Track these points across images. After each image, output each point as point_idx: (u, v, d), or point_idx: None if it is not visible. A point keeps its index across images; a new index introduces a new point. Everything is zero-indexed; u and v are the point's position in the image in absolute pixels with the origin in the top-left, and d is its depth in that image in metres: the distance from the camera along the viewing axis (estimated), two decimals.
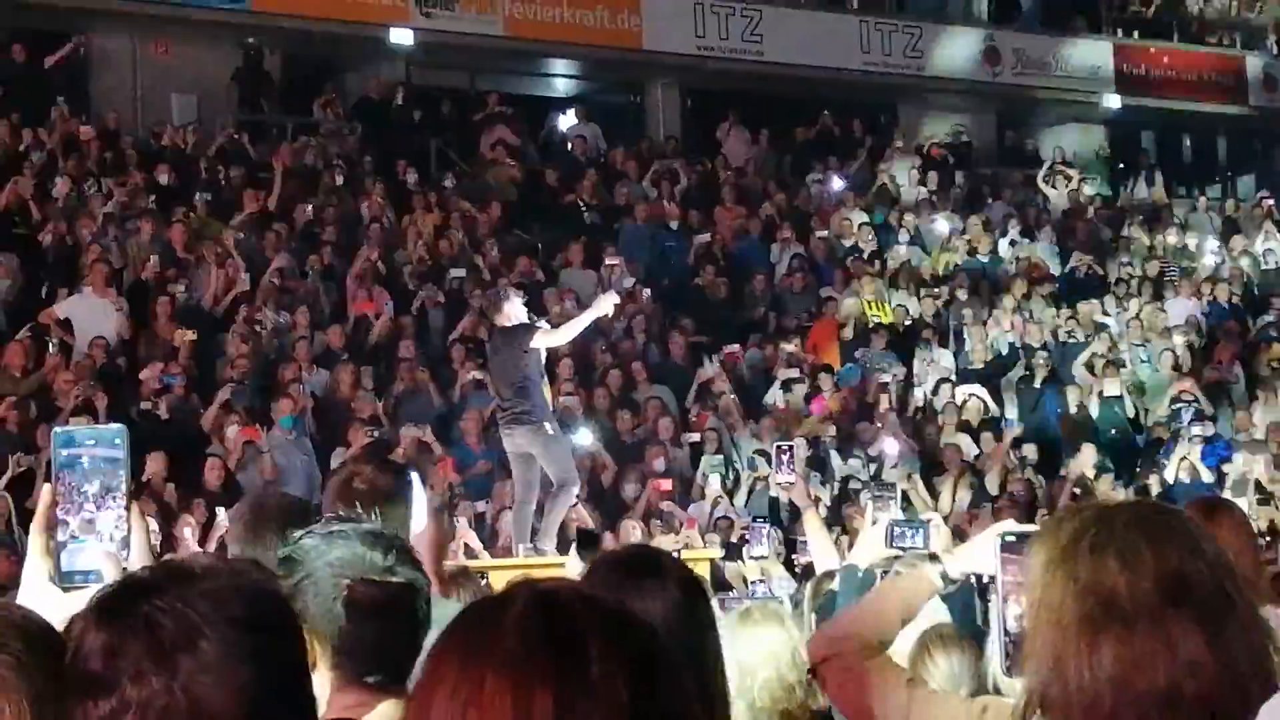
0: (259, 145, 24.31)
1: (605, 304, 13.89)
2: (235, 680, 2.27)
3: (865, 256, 24.95)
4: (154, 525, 13.62)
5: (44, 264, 19.91)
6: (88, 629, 2.31)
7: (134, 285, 19.74)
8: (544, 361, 13.98)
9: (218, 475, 16.18)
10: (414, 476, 5.17)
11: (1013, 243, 26.77)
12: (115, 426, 2.90)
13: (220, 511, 14.60)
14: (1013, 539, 3.28)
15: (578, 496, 14.31)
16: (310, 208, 22.53)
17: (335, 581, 3.51)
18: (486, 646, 1.91)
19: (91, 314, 18.71)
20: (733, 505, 17.88)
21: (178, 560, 2.47)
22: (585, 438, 18.26)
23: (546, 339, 13.76)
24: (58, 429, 2.92)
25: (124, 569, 2.70)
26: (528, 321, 13.79)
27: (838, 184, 27.64)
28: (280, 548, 5.33)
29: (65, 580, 2.77)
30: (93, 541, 2.78)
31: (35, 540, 2.79)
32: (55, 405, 16.98)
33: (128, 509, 2.81)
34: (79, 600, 2.66)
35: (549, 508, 13.63)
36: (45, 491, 2.81)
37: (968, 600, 6.73)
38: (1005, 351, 23.12)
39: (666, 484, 18.03)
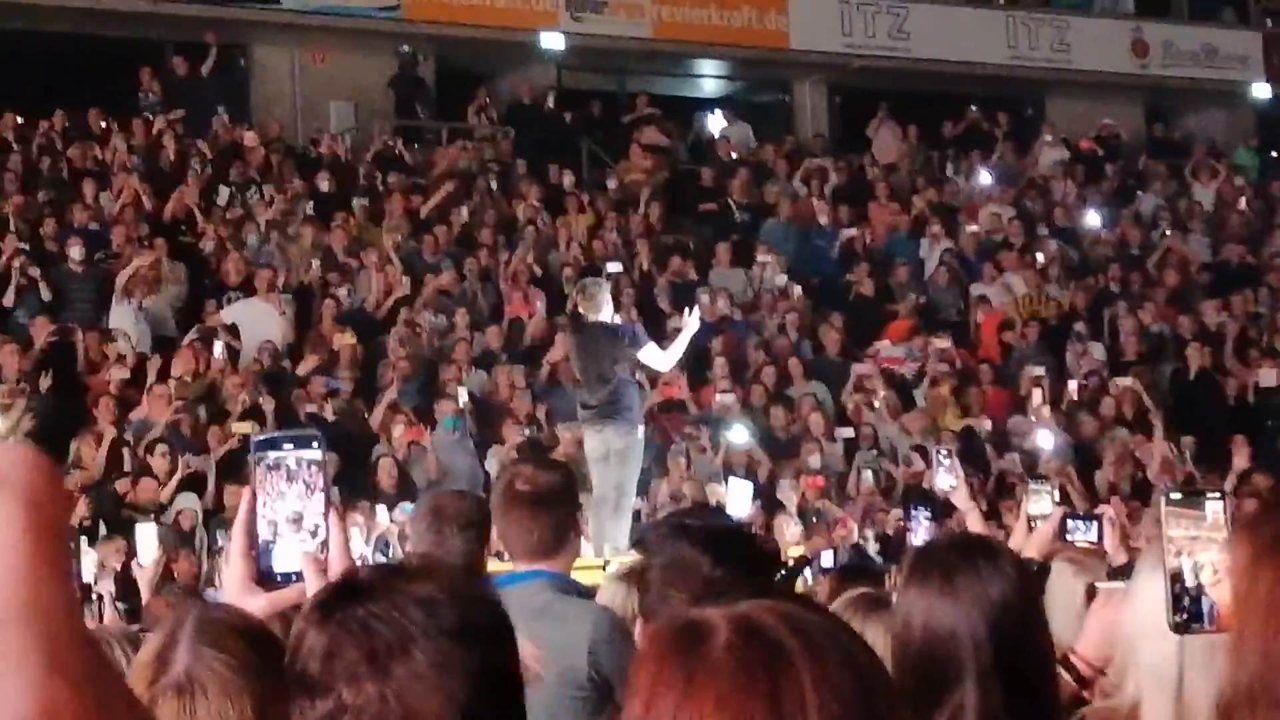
0: (415, 150, 24.72)
1: (694, 322, 13.89)
2: (446, 689, 2.32)
3: (1015, 250, 24.92)
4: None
5: (209, 271, 20.38)
6: (307, 630, 2.39)
7: (297, 290, 20.19)
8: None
9: (389, 475, 16.48)
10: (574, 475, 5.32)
11: (1163, 234, 26.63)
12: (312, 431, 3.03)
13: (380, 510, 14.97)
14: (1179, 498, 3.29)
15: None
16: (466, 211, 22.91)
17: None
18: (699, 681, 1.85)
19: (256, 319, 19.13)
20: (886, 501, 17.96)
21: (396, 562, 2.60)
22: (740, 435, 18.46)
23: (653, 360, 13.73)
24: (257, 437, 2.97)
25: (324, 570, 2.77)
26: (617, 322, 13.84)
27: (986, 178, 27.63)
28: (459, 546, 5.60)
29: (267, 580, 2.82)
30: (293, 543, 2.82)
31: (236, 542, 2.83)
32: (224, 409, 17.40)
33: (326, 511, 2.85)
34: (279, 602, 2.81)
35: (613, 515, 13.54)
36: (245, 493, 2.84)
37: None
38: (1158, 343, 23.04)
39: (819, 480, 18.13)
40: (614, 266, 22.07)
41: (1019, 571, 3.62)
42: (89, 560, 13.05)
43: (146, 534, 9.14)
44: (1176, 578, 3.11)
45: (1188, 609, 3.06)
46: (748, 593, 3.45)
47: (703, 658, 1.86)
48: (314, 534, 2.83)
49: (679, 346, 14.18)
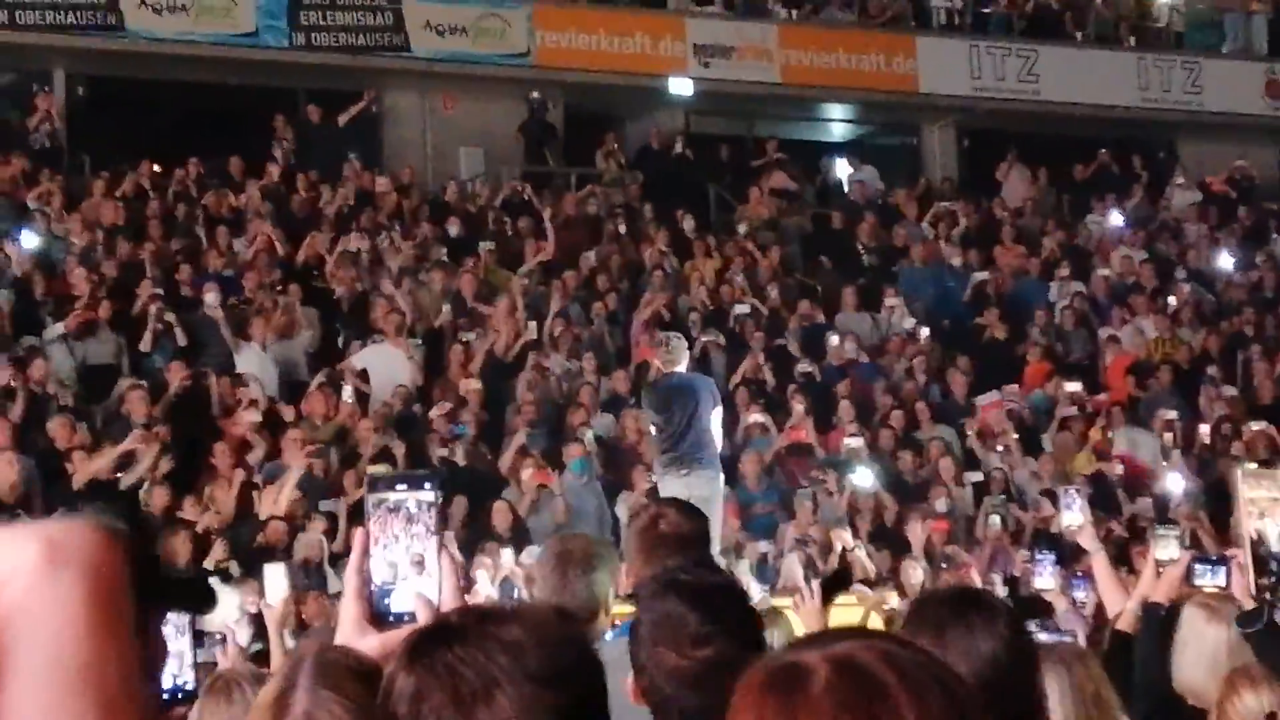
0: (544, 195, 24.91)
1: None
2: None
3: (1147, 293, 24.71)
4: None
5: (340, 315, 20.60)
6: (398, 672, 2.41)
7: (426, 334, 20.36)
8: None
9: (505, 519, 16.54)
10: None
11: None
12: (428, 471, 3.06)
13: (505, 553, 15.04)
14: (1254, 467, 3.22)
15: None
16: (594, 255, 23.05)
17: None
18: None
19: (386, 363, 19.29)
20: (1014, 545, 17.82)
21: (486, 606, 2.58)
22: (865, 478, 18.41)
23: (717, 425, 13.89)
24: (372, 471, 3.06)
25: (437, 611, 2.79)
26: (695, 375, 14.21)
27: (1117, 221, 27.43)
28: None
29: (380, 621, 2.83)
30: (406, 584, 2.83)
31: (350, 582, 2.84)
32: (356, 452, 17.57)
33: (440, 552, 2.86)
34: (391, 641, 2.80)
35: None
36: (359, 535, 2.86)
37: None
38: None
39: (944, 524, 18.04)
40: (741, 309, 22.15)
41: (1011, 629, 3.61)
42: (228, 600, 13.27)
43: (275, 574, 9.22)
44: (1260, 540, 3.02)
45: (1275, 571, 2.97)
46: (734, 645, 3.47)
47: (803, 699, 1.85)
48: (426, 575, 2.84)
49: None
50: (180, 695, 3.54)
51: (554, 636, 2.44)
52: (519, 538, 16.27)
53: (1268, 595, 2.98)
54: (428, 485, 2.88)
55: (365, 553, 2.85)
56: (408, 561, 2.84)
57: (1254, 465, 3.96)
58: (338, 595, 13.72)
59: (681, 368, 14.16)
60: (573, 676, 2.41)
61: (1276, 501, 3.11)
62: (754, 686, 1.91)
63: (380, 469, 16.69)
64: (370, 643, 2.82)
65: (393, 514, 2.84)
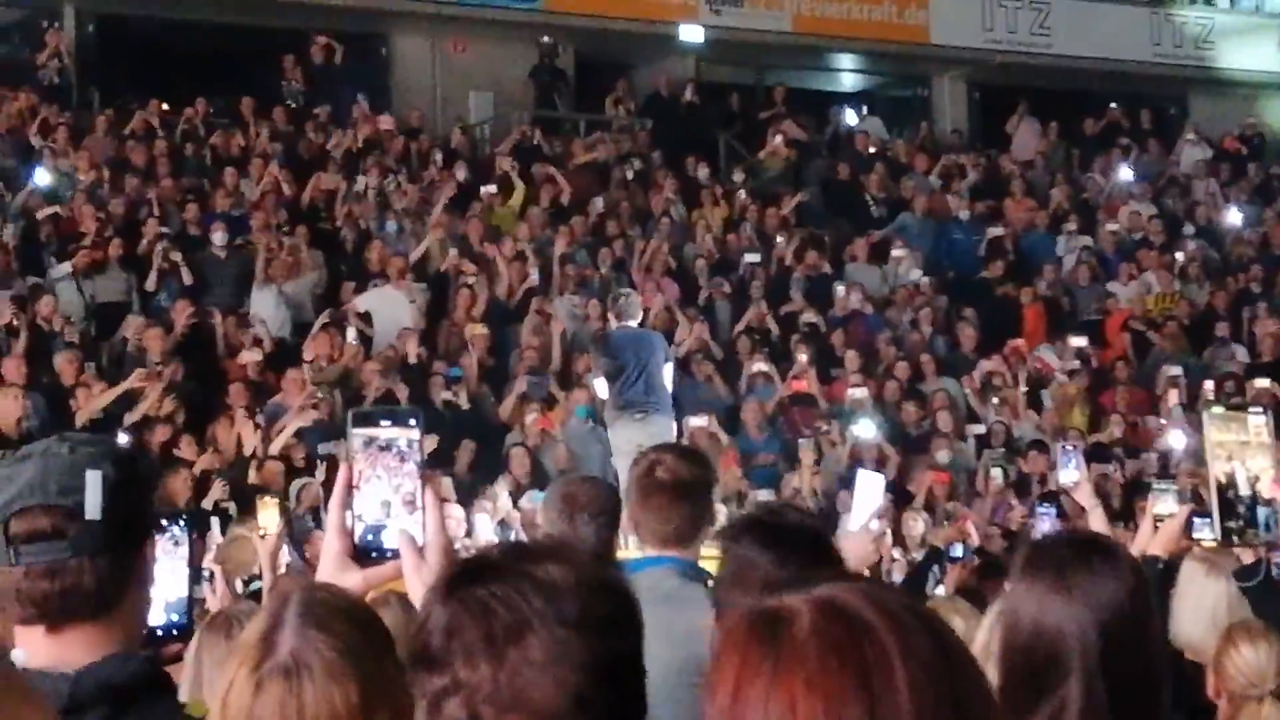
0: (553, 141, 24.86)
1: None
2: (560, 679, 2.31)
3: (1155, 249, 24.68)
4: (457, 509, 14.15)
5: (346, 258, 20.59)
6: (433, 604, 2.41)
7: (432, 278, 20.36)
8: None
9: (523, 464, 16.54)
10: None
11: None
12: (411, 407, 3.05)
13: (503, 496, 15.06)
14: (1221, 411, 3.18)
15: None
16: (601, 202, 23.03)
17: None
18: (787, 665, 1.85)
19: (389, 307, 19.28)
20: (1017, 498, 17.85)
21: (529, 543, 2.57)
22: (868, 429, 18.41)
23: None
24: (354, 410, 2.99)
25: (419, 547, 2.81)
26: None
27: (1127, 176, 27.37)
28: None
29: (363, 558, 2.84)
30: (396, 522, 2.84)
31: (332, 518, 2.86)
32: (360, 395, 17.58)
33: (423, 489, 2.85)
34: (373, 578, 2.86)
35: None
36: (342, 471, 2.86)
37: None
38: None
39: (945, 476, 18.07)
40: (751, 257, 22.14)
41: (1135, 575, 3.55)
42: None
43: (269, 507, 9.30)
44: (1228, 484, 3.01)
45: (1242, 515, 2.96)
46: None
47: (788, 641, 1.86)
48: (410, 512, 2.85)
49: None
50: (175, 632, 3.56)
51: (593, 581, 2.42)
52: (537, 481, 16.30)
53: (1234, 539, 2.98)
54: (412, 421, 2.89)
55: (348, 489, 2.85)
56: (399, 500, 2.85)
57: (1221, 409, 3.94)
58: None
59: (634, 323, 14.33)
60: (608, 625, 2.39)
61: (1245, 445, 3.11)
62: (738, 631, 1.91)
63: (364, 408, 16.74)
64: (353, 579, 2.84)
65: (384, 451, 2.84)
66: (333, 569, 2.85)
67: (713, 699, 1.90)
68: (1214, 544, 5.99)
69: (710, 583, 4.65)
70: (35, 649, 2.79)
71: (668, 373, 14.24)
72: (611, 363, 14.12)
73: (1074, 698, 3.41)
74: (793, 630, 1.87)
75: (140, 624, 2.97)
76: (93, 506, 2.80)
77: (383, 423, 2.88)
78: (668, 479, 5.24)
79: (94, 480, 2.81)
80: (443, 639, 2.36)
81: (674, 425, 14.23)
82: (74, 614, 2.81)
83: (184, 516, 3.90)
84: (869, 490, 8.21)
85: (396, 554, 2.83)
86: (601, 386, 14.72)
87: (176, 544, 3.75)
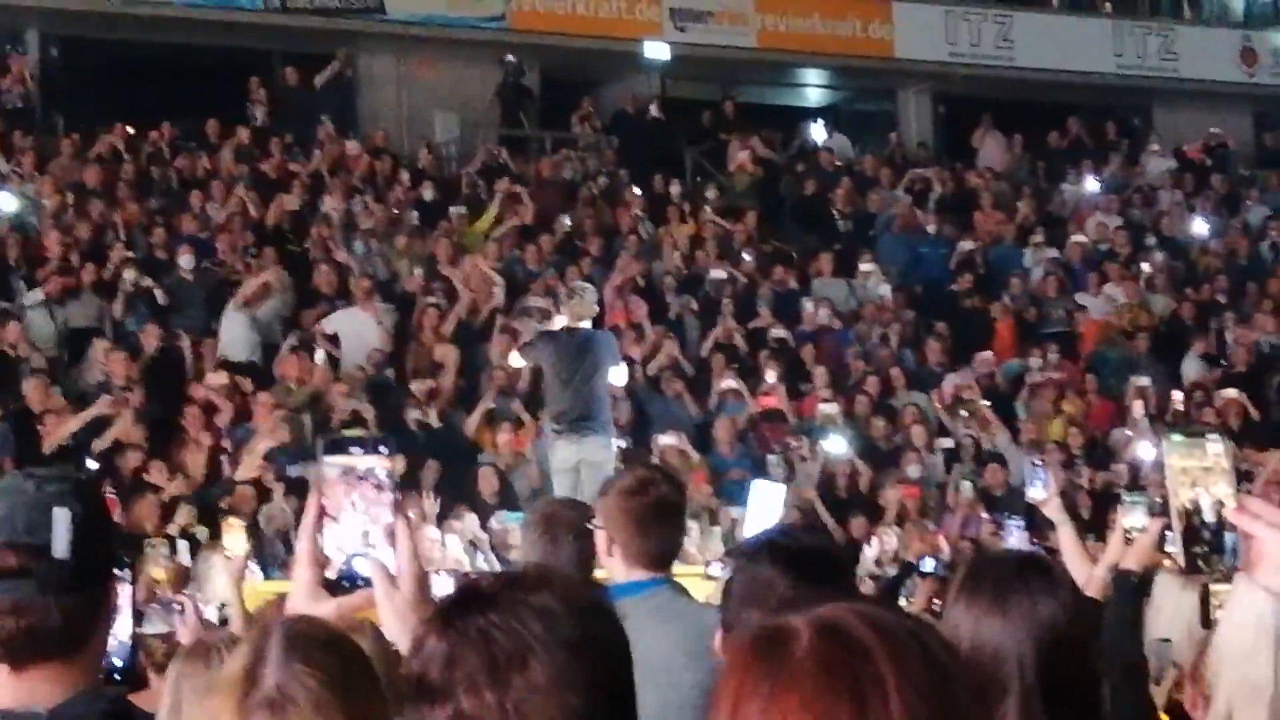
0: (519, 160, 24.86)
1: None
2: (563, 702, 2.33)
3: (1121, 260, 24.75)
4: (434, 531, 14.13)
5: (312, 279, 20.54)
6: (428, 636, 2.41)
7: (398, 299, 20.33)
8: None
9: (490, 484, 16.52)
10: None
11: (1273, 245, 26.34)
12: (382, 435, 3.03)
13: (470, 518, 15.04)
14: (1180, 439, 3.17)
15: None
16: (569, 219, 23.03)
17: None
18: (783, 684, 1.87)
19: (357, 327, 19.25)
20: (986, 513, 17.85)
21: (518, 572, 2.58)
22: (838, 445, 18.44)
23: (619, 378, 13.95)
24: (325, 438, 2.99)
25: (392, 575, 2.81)
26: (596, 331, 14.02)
27: (1092, 187, 27.45)
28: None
29: (335, 587, 2.84)
30: (376, 552, 2.83)
31: (302, 547, 2.85)
32: (329, 416, 17.54)
33: (395, 516, 2.85)
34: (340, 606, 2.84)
35: None
36: (311, 500, 2.86)
37: None
38: (1267, 353, 22.81)
39: (915, 490, 18.10)
40: (718, 274, 22.15)
41: (1073, 594, 3.58)
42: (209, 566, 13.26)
43: (235, 530, 9.31)
44: (1192, 511, 3.00)
45: (1208, 542, 2.95)
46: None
47: (786, 661, 1.88)
48: (382, 540, 2.84)
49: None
50: (118, 676, 3.52)
51: (585, 604, 2.45)
52: (505, 503, 16.29)
53: (1200, 564, 2.97)
54: (384, 449, 2.88)
55: (319, 517, 2.84)
56: (379, 530, 2.84)
57: (1179, 436, 3.94)
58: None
59: (586, 323, 14.10)
60: (604, 645, 2.42)
61: (1208, 471, 3.10)
62: (739, 650, 1.94)
63: (356, 432, 16.71)
64: (325, 608, 2.83)
65: (361, 481, 2.83)
66: (305, 598, 2.85)
67: (714, 717, 1.92)
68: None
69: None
70: None
71: (615, 376, 14.01)
72: (550, 366, 13.84)
73: (1012, 717, 3.41)
74: (791, 650, 1.89)
75: (100, 663, 2.95)
76: (60, 545, 2.78)
77: (354, 450, 2.87)
78: (660, 500, 5.25)
79: (61, 518, 2.79)
80: (443, 670, 2.37)
81: (612, 443, 13.88)
82: (39, 652, 2.80)
83: (123, 558, 3.88)
84: (767, 501, 8.24)
85: (369, 582, 2.83)
86: (516, 361, 14.46)
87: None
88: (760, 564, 3.60)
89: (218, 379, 17.57)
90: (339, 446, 2.89)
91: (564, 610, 2.40)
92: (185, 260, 19.42)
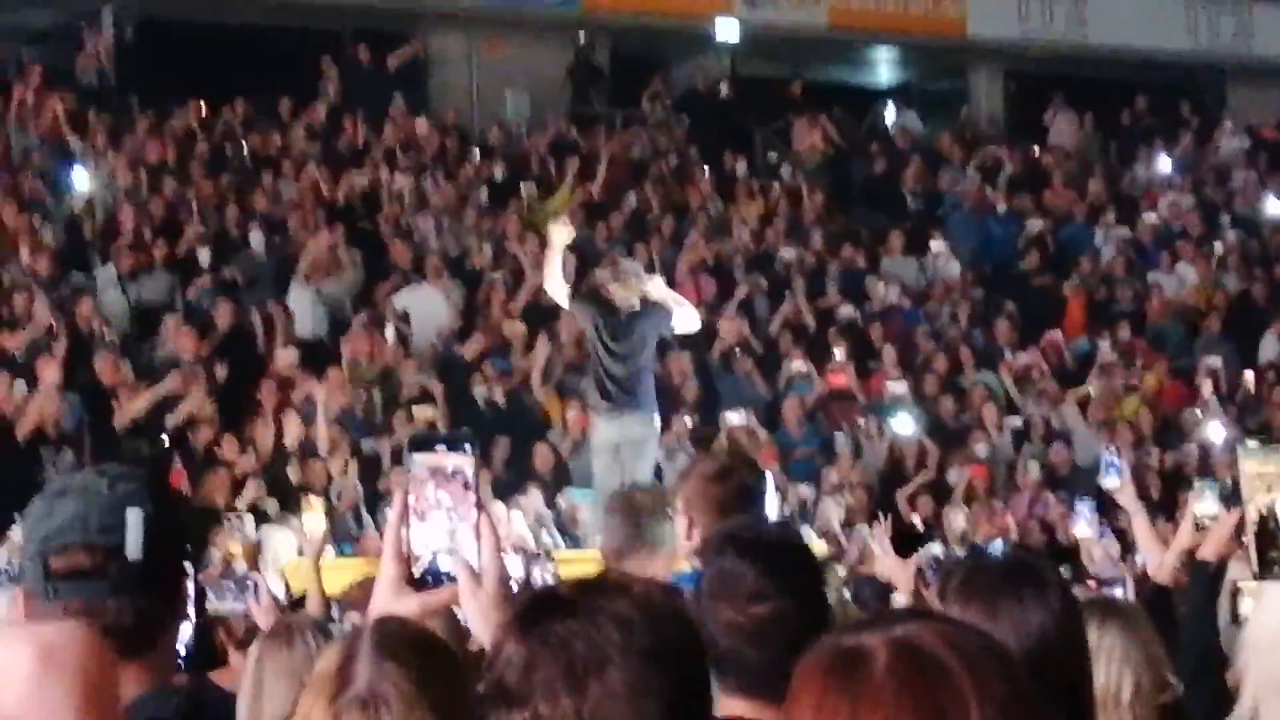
0: (589, 138, 24.91)
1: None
2: (640, 711, 2.34)
3: (1193, 240, 24.61)
4: (500, 510, 14.20)
5: (384, 256, 20.65)
6: (507, 640, 2.42)
7: (467, 276, 20.41)
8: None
9: (547, 461, 16.58)
10: (769, 474, 5.33)
11: None
12: (466, 432, 3.06)
13: (534, 494, 15.09)
14: (1255, 445, 3.15)
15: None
16: (638, 198, 23.06)
17: None
18: (864, 707, 1.86)
19: (427, 304, 19.35)
20: (1053, 494, 17.81)
21: (593, 578, 2.60)
22: (905, 424, 18.42)
23: (688, 320, 13.26)
24: (412, 436, 3.02)
25: (476, 572, 2.84)
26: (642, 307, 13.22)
27: (1165, 166, 27.29)
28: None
29: (420, 583, 2.87)
30: (446, 546, 2.86)
31: (388, 543, 2.88)
32: (397, 393, 17.66)
33: (479, 512, 2.88)
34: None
35: None
36: (398, 497, 2.89)
37: None
38: None
39: (983, 470, 18.06)
40: (787, 252, 22.14)
41: (1064, 604, 3.58)
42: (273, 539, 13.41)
43: (315, 508, 9.40)
44: (1267, 516, 2.99)
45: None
46: (792, 602, 3.50)
47: (865, 683, 1.86)
48: (466, 537, 2.89)
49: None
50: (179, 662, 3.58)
51: (662, 612, 2.45)
52: (560, 480, 16.37)
53: (1276, 568, 2.97)
54: (468, 447, 2.92)
55: (404, 515, 2.88)
56: (465, 527, 2.88)
57: (1254, 443, 3.94)
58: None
59: (633, 300, 13.90)
60: (681, 654, 2.43)
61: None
62: (815, 670, 1.92)
63: (426, 409, 16.80)
64: (409, 604, 2.87)
65: (450, 480, 2.88)
66: (389, 594, 2.88)
67: None
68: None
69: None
70: None
71: (683, 323, 13.54)
72: (592, 329, 13.28)
73: None
74: (870, 671, 1.87)
75: (174, 659, 3.00)
76: (133, 546, 2.80)
77: (438, 448, 2.91)
78: (741, 486, 5.29)
79: (135, 519, 2.81)
80: (521, 675, 2.38)
81: (654, 419, 13.38)
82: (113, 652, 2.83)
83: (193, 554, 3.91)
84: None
85: (452, 579, 2.86)
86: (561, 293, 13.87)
87: None
88: (727, 557, 3.62)
89: (288, 355, 17.68)
90: (426, 444, 2.92)
91: (642, 618, 2.41)
92: (256, 237, 19.55)
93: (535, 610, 2.46)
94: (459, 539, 2.87)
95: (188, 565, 3.02)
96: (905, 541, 7.84)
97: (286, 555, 13.20)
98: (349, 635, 2.75)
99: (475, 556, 2.87)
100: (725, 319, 20.16)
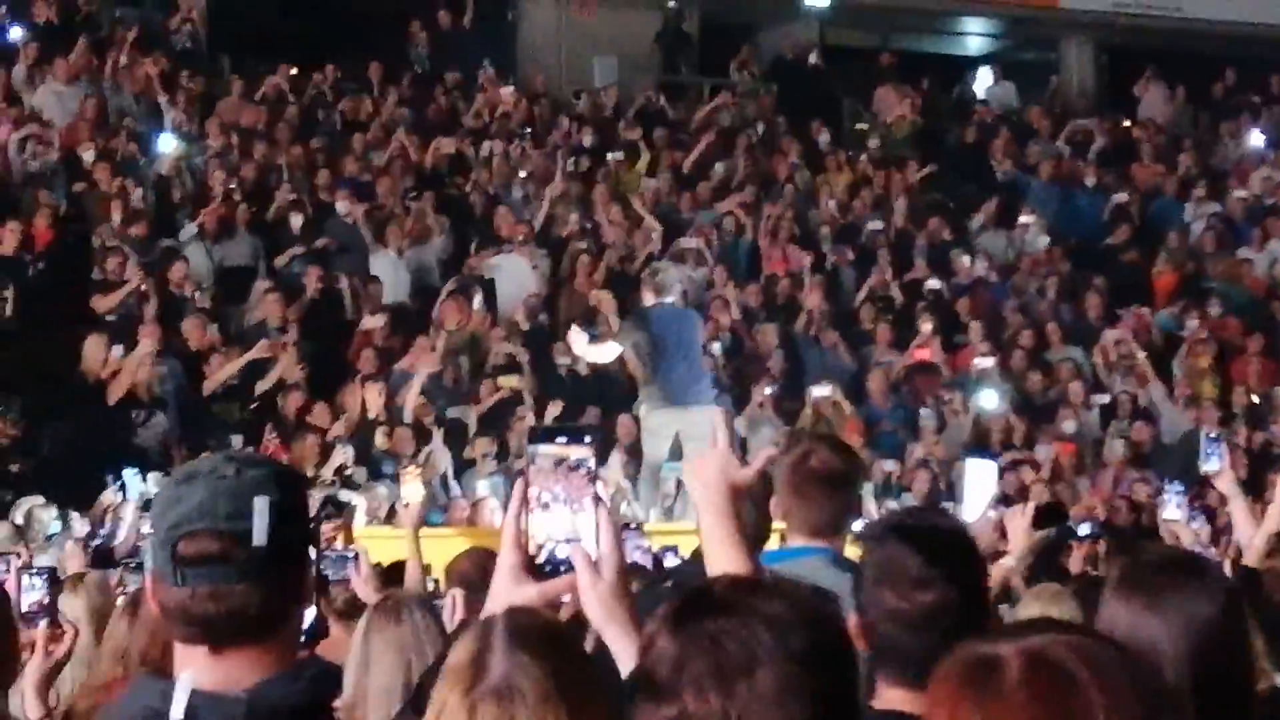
0: (677, 106, 24.87)
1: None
2: (789, 714, 2.36)
3: None
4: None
5: (472, 223, 20.71)
6: (659, 635, 2.46)
7: (555, 243, 20.45)
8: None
9: (629, 432, 16.61)
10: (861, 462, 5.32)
11: None
12: (589, 425, 3.12)
13: (614, 462, 15.10)
14: None
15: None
16: (725, 166, 23.01)
17: None
18: (997, 716, 1.88)
19: (514, 272, 19.40)
20: (1141, 470, 17.68)
21: (747, 578, 2.65)
22: (990, 400, 18.31)
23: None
24: (534, 427, 3.12)
25: (594, 563, 2.89)
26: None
27: (1257, 141, 26.99)
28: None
29: (539, 571, 2.92)
30: (566, 536, 2.91)
31: (508, 532, 2.93)
32: (483, 360, 17.71)
33: (596, 504, 2.93)
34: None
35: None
36: (518, 486, 2.93)
37: None
38: None
39: (1070, 447, 17.95)
40: (874, 224, 22.06)
41: (1227, 594, 3.60)
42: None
43: (413, 478, 9.46)
44: None
45: None
46: (955, 590, 3.49)
47: (997, 692, 1.90)
48: (584, 527, 2.93)
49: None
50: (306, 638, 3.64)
51: (815, 615, 2.48)
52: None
53: None
54: (589, 439, 2.96)
55: (524, 503, 2.92)
56: (585, 518, 2.93)
57: None
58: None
59: (671, 299, 14.03)
60: (831, 658, 2.45)
61: None
62: (949, 680, 1.97)
63: (512, 378, 16.87)
64: (528, 593, 2.91)
65: (573, 471, 2.92)
66: (508, 583, 2.92)
67: None
68: None
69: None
70: (198, 669, 2.86)
71: (713, 350, 13.95)
72: (648, 339, 13.73)
73: None
74: (1001, 681, 1.91)
75: (298, 642, 3.04)
76: (260, 533, 2.85)
77: (559, 439, 2.95)
78: (822, 469, 5.27)
79: (261, 506, 2.86)
80: (671, 670, 2.41)
81: (714, 411, 13.87)
82: (238, 636, 2.88)
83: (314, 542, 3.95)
84: (981, 478, 8.20)
85: (570, 568, 2.91)
86: (610, 352, 14.34)
87: None
88: (890, 545, 3.63)
89: (375, 321, 17.75)
90: (549, 436, 2.96)
91: (795, 621, 2.43)
92: (344, 203, 19.63)
93: (689, 607, 2.49)
94: (579, 529, 2.91)
95: (311, 552, 3.06)
96: (1048, 516, 7.71)
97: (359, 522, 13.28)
98: (480, 626, 2.79)
99: (594, 547, 2.91)
100: (810, 290, 20.11)
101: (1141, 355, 19.92)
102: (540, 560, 2.92)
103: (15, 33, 21.28)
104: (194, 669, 2.87)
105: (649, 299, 14.22)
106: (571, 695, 2.68)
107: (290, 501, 2.95)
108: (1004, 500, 9.75)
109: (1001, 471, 13.96)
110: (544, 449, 2.93)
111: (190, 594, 2.85)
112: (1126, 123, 27.10)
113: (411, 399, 15.95)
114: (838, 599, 4.06)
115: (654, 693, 2.42)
